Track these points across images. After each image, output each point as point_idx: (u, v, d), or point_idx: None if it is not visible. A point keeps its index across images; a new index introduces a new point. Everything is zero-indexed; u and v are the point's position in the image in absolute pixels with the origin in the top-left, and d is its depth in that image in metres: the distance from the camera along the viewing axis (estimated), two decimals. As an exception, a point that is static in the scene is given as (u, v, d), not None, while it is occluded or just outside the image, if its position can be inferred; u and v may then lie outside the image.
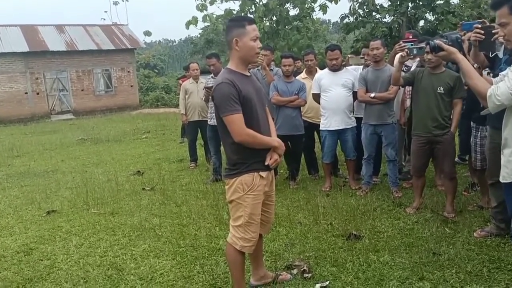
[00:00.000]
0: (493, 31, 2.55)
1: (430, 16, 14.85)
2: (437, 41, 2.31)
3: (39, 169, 7.53)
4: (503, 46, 2.74)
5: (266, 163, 2.46)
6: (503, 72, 2.23)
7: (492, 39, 2.58)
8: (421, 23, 14.99)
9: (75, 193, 5.53)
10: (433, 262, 2.98)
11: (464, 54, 2.33)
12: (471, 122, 3.72)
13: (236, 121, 2.34)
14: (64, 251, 3.68)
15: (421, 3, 13.81)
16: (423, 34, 9.72)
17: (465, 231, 3.46)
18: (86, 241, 3.87)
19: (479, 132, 3.66)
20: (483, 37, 2.63)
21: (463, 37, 2.48)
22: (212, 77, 5.57)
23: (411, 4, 14.09)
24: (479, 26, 2.67)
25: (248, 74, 2.51)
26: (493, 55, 3.00)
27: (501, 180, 2.35)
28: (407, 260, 3.03)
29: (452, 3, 14.61)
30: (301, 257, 3.20)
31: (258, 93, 2.52)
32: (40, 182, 6.46)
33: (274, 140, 2.51)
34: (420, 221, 3.76)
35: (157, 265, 3.29)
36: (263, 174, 2.48)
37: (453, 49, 2.28)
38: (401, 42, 4.63)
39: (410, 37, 4.86)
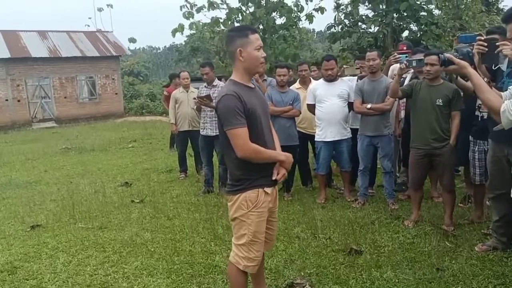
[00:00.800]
0: (496, 44, 2.53)
1: (414, 27, 15.13)
2: (448, 55, 2.26)
3: (21, 180, 7.24)
4: (506, 59, 2.72)
5: (273, 178, 2.35)
6: (514, 87, 2.20)
7: (495, 52, 2.55)
8: (406, 33, 15.26)
9: (60, 206, 5.31)
10: (438, 279, 2.91)
11: (475, 68, 2.29)
12: (470, 136, 3.68)
13: (240, 135, 2.23)
14: (51, 269, 3.48)
15: (405, 14, 14.05)
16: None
17: (466, 245, 3.41)
18: (74, 258, 3.68)
19: (477, 146, 3.62)
20: (486, 49, 2.60)
21: (473, 51, 2.45)
22: (205, 86, 5.44)
23: (396, 15, 14.33)
24: (482, 38, 2.64)
25: (253, 86, 2.41)
26: (496, 67, 2.98)
27: (513, 196, 2.29)
28: (411, 277, 2.96)
29: (436, 15, 14.92)
30: (302, 274, 3.09)
31: (263, 106, 2.42)
32: (22, 194, 6.19)
33: (280, 154, 2.41)
34: (420, 234, 3.70)
35: (151, 284, 3.13)
36: (268, 190, 2.37)
37: (464, 63, 2.24)
38: (395, 54, 4.63)
39: (404, 48, 4.88)
